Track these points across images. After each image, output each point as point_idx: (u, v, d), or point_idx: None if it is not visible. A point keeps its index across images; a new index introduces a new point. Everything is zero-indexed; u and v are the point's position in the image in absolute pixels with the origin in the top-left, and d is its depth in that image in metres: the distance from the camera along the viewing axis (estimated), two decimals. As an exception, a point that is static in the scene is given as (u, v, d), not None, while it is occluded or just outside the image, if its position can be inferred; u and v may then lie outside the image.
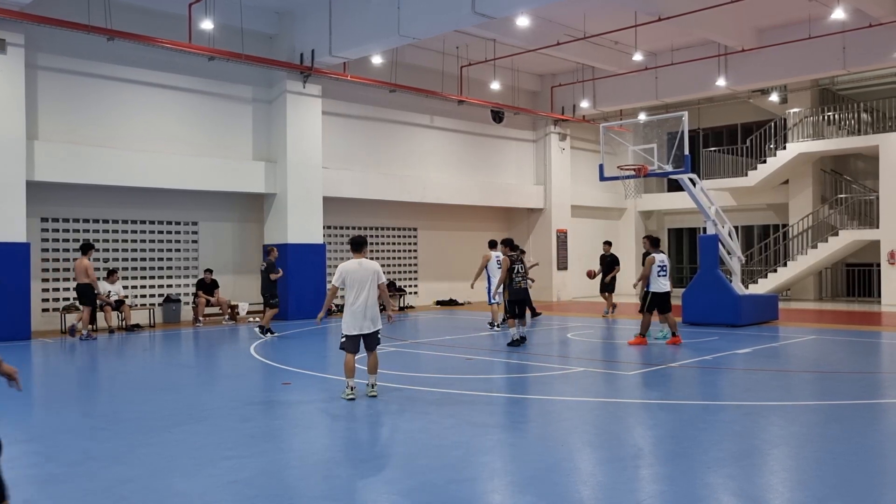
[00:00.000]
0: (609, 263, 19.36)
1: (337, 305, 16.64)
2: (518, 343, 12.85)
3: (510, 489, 5.41)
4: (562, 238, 26.06)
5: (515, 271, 12.84)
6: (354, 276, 8.47)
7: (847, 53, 19.64)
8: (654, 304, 13.10)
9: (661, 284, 13.10)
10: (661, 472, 5.82)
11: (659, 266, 13.18)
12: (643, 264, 13.58)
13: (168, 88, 17.61)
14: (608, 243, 19.83)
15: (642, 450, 6.46)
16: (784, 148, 24.10)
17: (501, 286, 13.16)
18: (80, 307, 15.16)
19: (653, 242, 13.61)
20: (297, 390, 9.42)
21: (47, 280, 16.45)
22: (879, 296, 22.89)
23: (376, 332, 8.63)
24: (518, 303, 12.98)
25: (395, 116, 22.04)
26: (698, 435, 6.92)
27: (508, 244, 13.30)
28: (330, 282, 9.49)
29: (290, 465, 6.08)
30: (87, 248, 15.33)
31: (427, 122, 22.93)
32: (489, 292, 16.11)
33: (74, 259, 16.69)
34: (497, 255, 15.58)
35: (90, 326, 15.14)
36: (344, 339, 8.62)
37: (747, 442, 6.67)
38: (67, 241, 16.77)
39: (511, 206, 25.58)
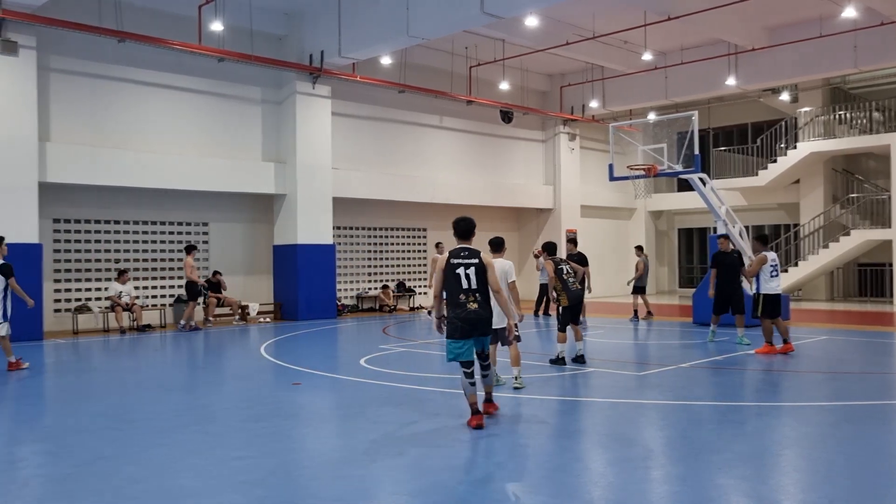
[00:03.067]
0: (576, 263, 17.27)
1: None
2: (561, 362, 10.92)
3: (521, 489, 5.39)
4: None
5: (564, 272, 10.85)
6: None
7: (858, 52, 19.53)
8: (767, 306, 11.95)
9: (774, 286, 11.99)
10: (673, 472, 5.80)
11: (771, 266, 11.98)
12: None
13: (178, 90, 17.67)
14: (572, 241, 17.35)
15: (653, 450, 6.43)
16: (795, 147, 23.99)
17: (555, 294, 11.00)
18: (187, 302, 16.74)
19: (762, 241, 12.42)
20: (308, 390, 9.43)
21: (59, 281, 16.53)
22: (892, 296, 22.73)
23: (503, 329, 8.21)
24: (573, 308, 10.86)
25: (404, 117, 22.05)
26: (710, 435, 6.89)
27: (548, 249, 11.20)
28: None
29: (301, 466, 6.08)
30: (190, 248, 16.81)
31: (436, 123, 22.93)
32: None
33: (87, 260, 16.86)
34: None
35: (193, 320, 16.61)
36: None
37: (759, 443, 6.63)
38: (80, 241, 16.86)
39: (520, 207, 25.56)
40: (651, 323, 17.58)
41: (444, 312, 7.31)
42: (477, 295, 7.16)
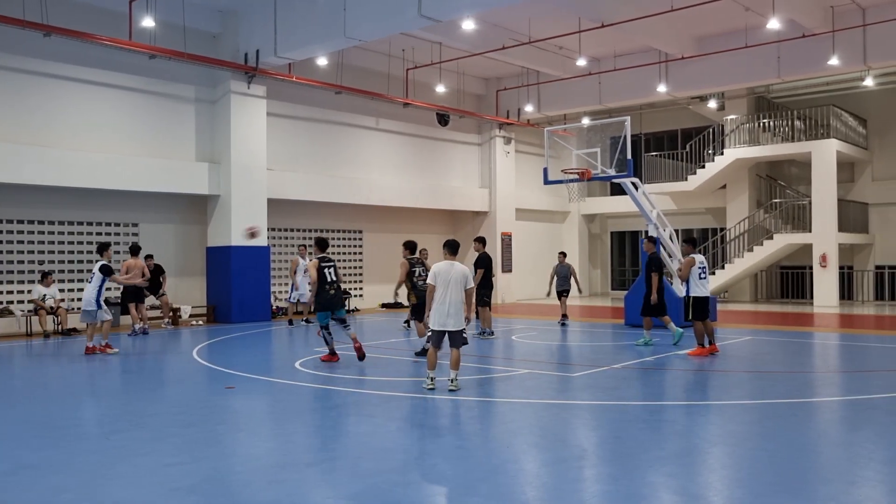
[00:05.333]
0: (480, 262, 15.23)
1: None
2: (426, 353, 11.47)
3: (456, 491, 5.44)
4: (506, 241, 26.29)
5: (417, 275, 12.05)
6: (444, 276, 8.97)
7: (781, 62, 20.29)
8: (698, 309, 12.10)
9: (703, 288, 12.17)
10: (605, 471, 5.93)
11: (700, 268, 12.17)
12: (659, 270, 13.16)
13: (107, 87, 17.20)
14: (480, 241, 15.51)
15: (586, 450, 6.56)
16: (722, 154, 24.76)
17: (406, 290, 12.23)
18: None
19: (692, 244, 12.70)
20: (241, 394, 9.30)
21: (-22, 283, 15.90)
22: (812, 297, 23.66)
23: (461, 332, 9.04)
24: (421, 307, 11.55)
25: (340, 118, 21.93)
26: (640, 435, 7.07)
27: (409, 247, 12.25)
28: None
29: (235, 471, 6.00)
30: (136, 249, 16.41)
31: (373, 125, 22.88)
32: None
33: (9, 262, 16.27)
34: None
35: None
36: (430, 333, 9.15)
37: (688, 441, 6.83)
38: (1, 242, 16.23)
39: (456, 209, 25.69)
40: (567, 325, 17.34)
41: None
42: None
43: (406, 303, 12.29)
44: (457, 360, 9.14)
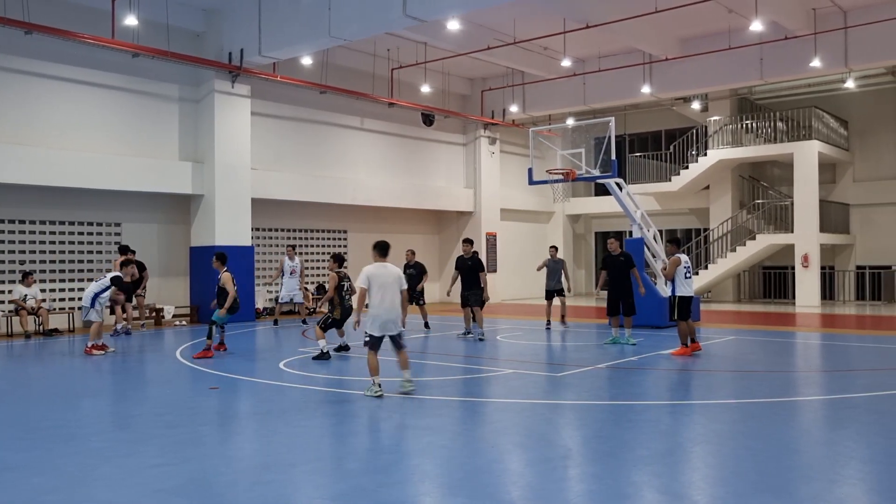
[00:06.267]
0: (471, 269, 14.93)
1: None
2: (326, 357, 11.78)
3: (441, 491, 5.44)
4: (491, 241, 26.32)
5: (345, 289, 12.14)
6: (378, 279, 8.73)
7: (764, 64, 20.44)
8: (683, 308, 12.03)
9: (689, 288, 12.14)
10: (590, 471, 5.95)
11: (685, 268, 12.14)
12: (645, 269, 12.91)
13: (90, 85, 17.06)
14: (468, 242, 15.38)
15: (571, 450, 6.59)
16: (705, 154, 24.93)
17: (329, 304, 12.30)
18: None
19: (676, 243, 12.67)
20: (226, 395, 9.26)
21: (-42, 283, 15.73)
22: (794, 297, 23.86)
23: (400, 334, 8.88)
24: (343, 321, 12.19)
25: (325, 118, 21.88)
26: (624, 434, 7.10)
27: (337, 259, 12.42)
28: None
29: (219, 472, 5.97)
30: (125, 249, 16.16)
31: (357, 125, 22.84)
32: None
33: (-12, 261, 16.12)
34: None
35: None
36: (368, 339, 8.80)
37: (671, 440, 6.88)
38: (-20, 242, 16.09)
39: (441, 209, 25.69)
40: (550, 328, 16.66)
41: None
42: None
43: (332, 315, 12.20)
44: (406, 360, 8.93)
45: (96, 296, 13.07)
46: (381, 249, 9.03)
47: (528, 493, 5.40)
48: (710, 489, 5.46)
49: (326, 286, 12.87)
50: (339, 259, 12.43)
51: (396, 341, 8.87)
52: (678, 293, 12.13)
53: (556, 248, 17.50)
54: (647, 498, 5.29)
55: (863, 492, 5.38)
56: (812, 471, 5.95)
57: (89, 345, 12.94)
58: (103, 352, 12.90)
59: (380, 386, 8.68)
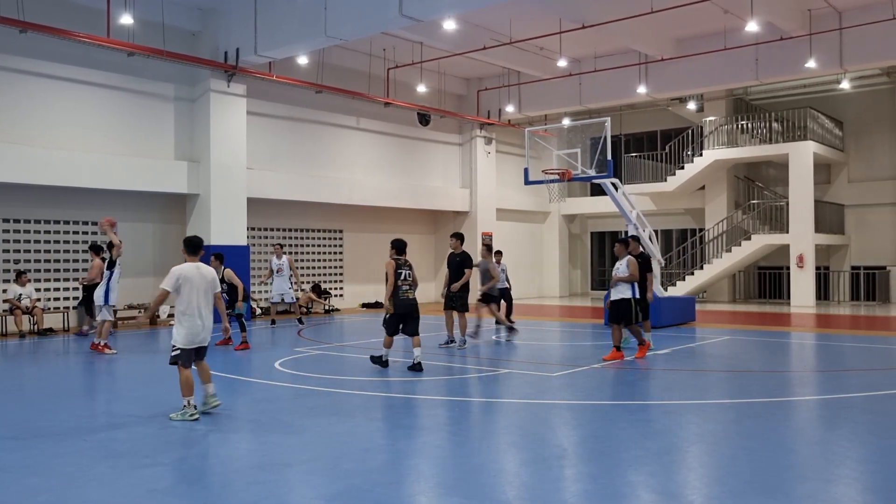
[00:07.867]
0: (459, 265, 13.28)
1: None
2: (384, 363, 10.81)
3: (436, 491, 5.43)
4: (487, 241, 26.27)
5: (403, 277, 10.63)
6: (192, 283, 7.64)
7: (760, 65, 20.47)
8: (645, 309, 11.90)
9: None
10: (585, 470, 5.95)
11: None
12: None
13: (85, 84, 17.01)
14: (458, 236, 13.73)
15: (566, 449, 6.58)
16: (700, 155, 24.96)
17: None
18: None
19: (625, 244, 12.10)
20: (220, 394, 9.21)
21: (-48, 282, 15.67)
22: (789, 297, 23.90)
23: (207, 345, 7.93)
24: (404, 317, 10.69)
25: (321, 118, 21.85)
26: (620, 434, 7.09)
27: (396, 246, 10.89)
28: (162, 286, 7.80)
29: (213, 472, 5.96)
30: (97, 248, 15.33)
31: (353, 124, 22.82)
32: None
33: (-18, 260, 16.05)
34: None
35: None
36: (178, 353, 7.64)
37: (667, 440, 6.87)
38: (-25, 241, 16.03)
39: (437, 209, 25.67)
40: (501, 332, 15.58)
41: None
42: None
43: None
44: (208, 372, 7.95)
45: (107, 291, 13.02)
46: (192, 247, 7.86)
47: (524, 492, 5.39)
48: (705, 489, 5.46)
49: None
50: (398, 245, 10.88)
51: (201, 352, 7.88)
52: (638, 295, 11.69)
53: (489, 248, 15.25)
54: (642, 497, 5.28)
55: (857, 491, 5.39)
56: (807, 470, 5.96)
57: (101, 343, 12.91)
58: (109, 352, 12.88)
59: (195, 408, 7.65)
